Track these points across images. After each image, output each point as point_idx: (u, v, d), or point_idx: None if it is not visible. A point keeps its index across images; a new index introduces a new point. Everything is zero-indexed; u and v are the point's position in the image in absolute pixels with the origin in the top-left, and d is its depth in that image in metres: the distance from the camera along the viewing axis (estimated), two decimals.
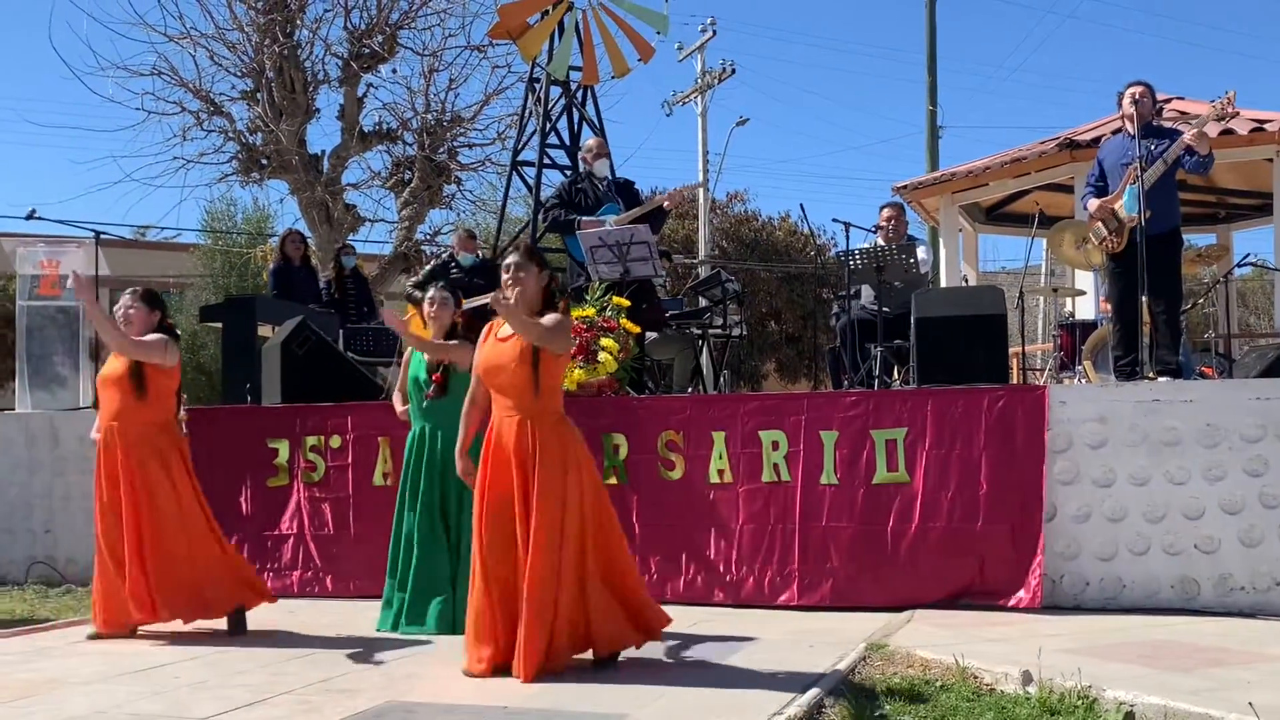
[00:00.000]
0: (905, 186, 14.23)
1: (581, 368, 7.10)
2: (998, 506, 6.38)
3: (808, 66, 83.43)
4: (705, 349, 9.92)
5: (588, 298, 7.50)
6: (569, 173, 9.07)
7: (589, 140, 8.93)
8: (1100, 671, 4.48)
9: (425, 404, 5.88)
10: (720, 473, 6.83)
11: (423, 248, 10.76)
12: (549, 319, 4.75)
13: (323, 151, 13.78)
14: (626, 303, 7.50)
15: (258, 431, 7.44)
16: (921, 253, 8.35)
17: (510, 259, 4.95)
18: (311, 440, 7.33)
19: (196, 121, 13.37)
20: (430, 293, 5.96)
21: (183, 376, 5.86)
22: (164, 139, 16.54)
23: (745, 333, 10.64)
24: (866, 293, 8.72)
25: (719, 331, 9.71)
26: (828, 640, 5.45)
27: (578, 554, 4.68)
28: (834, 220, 8.99)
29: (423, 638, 5.60)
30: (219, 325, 9.30)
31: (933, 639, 5.39)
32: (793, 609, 6.50)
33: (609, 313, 7.37)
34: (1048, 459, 6.36)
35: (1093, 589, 6.35)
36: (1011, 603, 6.23)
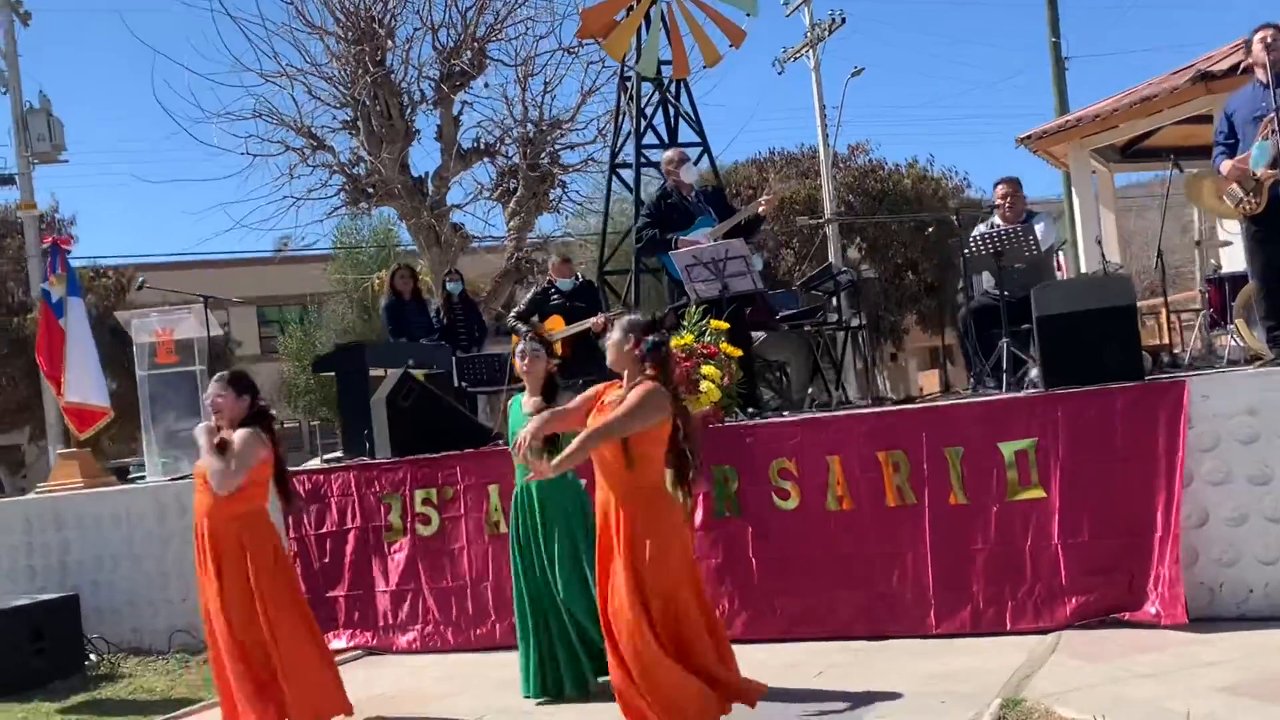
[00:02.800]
0: (1029, 137, 13.49)
1: (688, 398, 6.82)
2: (1141, 515, 5.89)
3: (921, 5, 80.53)
4: (822, 346, 9.55)
5: (685, 324, 7.22)
6: (659, 184, 8.76)
7: (667, 153, 8.59)
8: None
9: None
10: (839, 499, 6.50)
11: (534, 257, 10.62)
12: (631, 398, 4.45)
13: (426, 174, 13.81)
14: (725, 325, 7.19)
15: (370, 488, 7.43)
16: (1040, 229, 7.79)
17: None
18: (423, 494, 7.27)
19: (301, 158, 13.54)
20: (520, 346, 5.74)
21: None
22: (271, 179, 16.87)
23: (864, 323, 10.20)
24: (989, 277, 8.20)
25: (834, 326, 9.33)
26: (962, 689, 5.10)
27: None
28: (948, 211, 8.44)
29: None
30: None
31: (1076, 679, 5.00)
32: (931, 638, 6.15)
33: (708, 338, 7.08)
34: (1194, 459, 5.84)
35: (1257, 596, 5.81)
36: (1166, 620, 5.74)
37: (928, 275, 25.78)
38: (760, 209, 8.22)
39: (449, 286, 10.65)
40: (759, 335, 9.11)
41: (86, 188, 57.23)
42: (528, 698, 5.64)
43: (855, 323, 9.61)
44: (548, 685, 5.61)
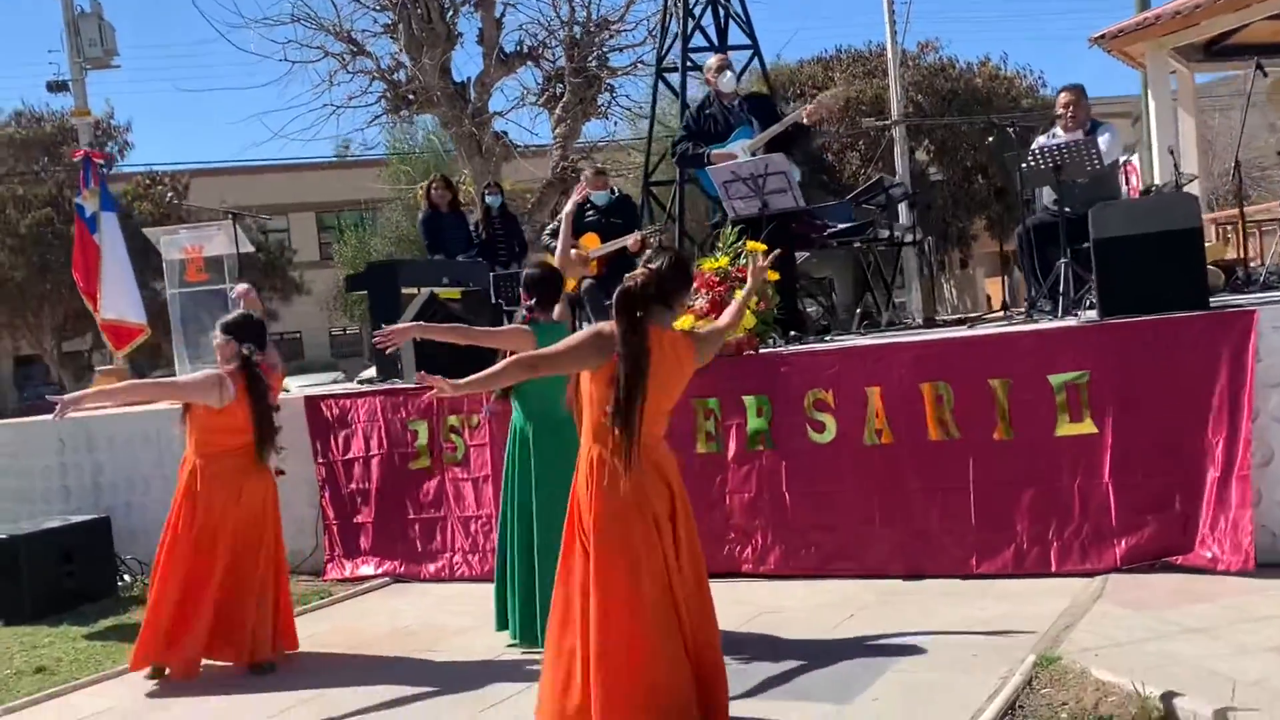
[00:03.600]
0: (1104, 36, 12.70)
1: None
2: (1199, 455, 5.51)
3: None
4: (873, 262, 9.13)
5: (720, 246, 6.86)
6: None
7: (709, 60, 8.10)
8: None
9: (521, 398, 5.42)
10: (878, 433, 6.17)
11: (579, 166, 10.23)
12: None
13: (468, 80, 13.39)
14: (761, 247, 6.81)
15: (397, 414, 7.25)
16: (1105, 141, 7.27)
17: None
18: (452, 420, 7.07)
19: (341, 64, 13.17)
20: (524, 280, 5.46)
21: None
22: (311, 86, 16.53)
23: (920, 237, 9.74)
24: (1049, 193, 7.70)
25: (885, 243, 8.88)
26: (997, 640, 4.82)
27: None
28: (996, 123, 7.91)
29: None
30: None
31: (1119, 631, 4.70)
32: (971, 578, 5.87)
33: (744, 260, 6.71)
34: (1260, 395, 5.42)
35: None
36: (1221, 565, 5.38)
37: (998, 180, 24.87)
38: (804, 118, 7.76)
39: (488, 200, 10.31)
40: (801, 255, 8.75)
41: (142, 94, 57.21)
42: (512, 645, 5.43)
43: (909, 238, 9.16)
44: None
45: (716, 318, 6.55)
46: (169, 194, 22.37)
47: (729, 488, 6.50)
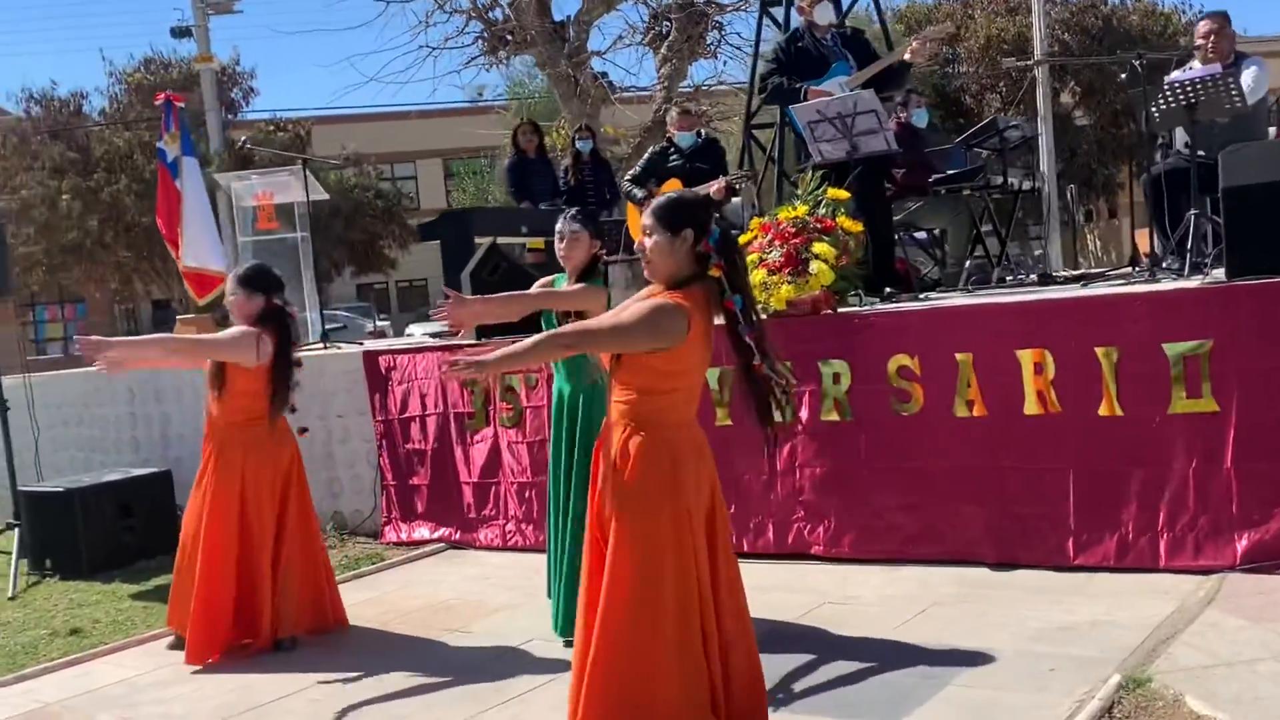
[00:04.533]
0: None
1: (790, 282, 5.90)
2: None
3: None
4: (986, 212, 8.34)
5: (799, 193, 6.24)
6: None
7: None
8: None
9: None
10: (970, 404, 5.52)
11: (686, 107, 9.66)
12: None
13: (567, 18, 12.85)
14: (845, 195, 6.17)
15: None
16: (1248, 77, 6.38)
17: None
18: (510, 380, 6.64)
19: (437, 4, 12.79)
20: (559, 225, 4.91)
21: None
22: (409, 28, 16.12)
23: (1039, 185, 8.88)
24: (1183, 135, 6.83)
25: (999, 190, 8.08)
26: (1082, 651, 4.18)
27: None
28: (1129, 60, 7.00)
29: None
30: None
31: (1228, 648, 4.04)
32: (1067, 570, 5.21)
33: (824, 210, 6.09)
34: None
35: None
36: None
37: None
38: (906, 55, 7.01)
39: (578, 144, 9.82)
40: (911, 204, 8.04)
41: (268, 40, 57.96)
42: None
43: (1025, 185, 8.33)
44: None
45: (789, 273, 5.98)
46: (290, 141, 22.49)
47: (799, 460, 5.93)
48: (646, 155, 8.38)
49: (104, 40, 71.26)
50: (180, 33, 20.81)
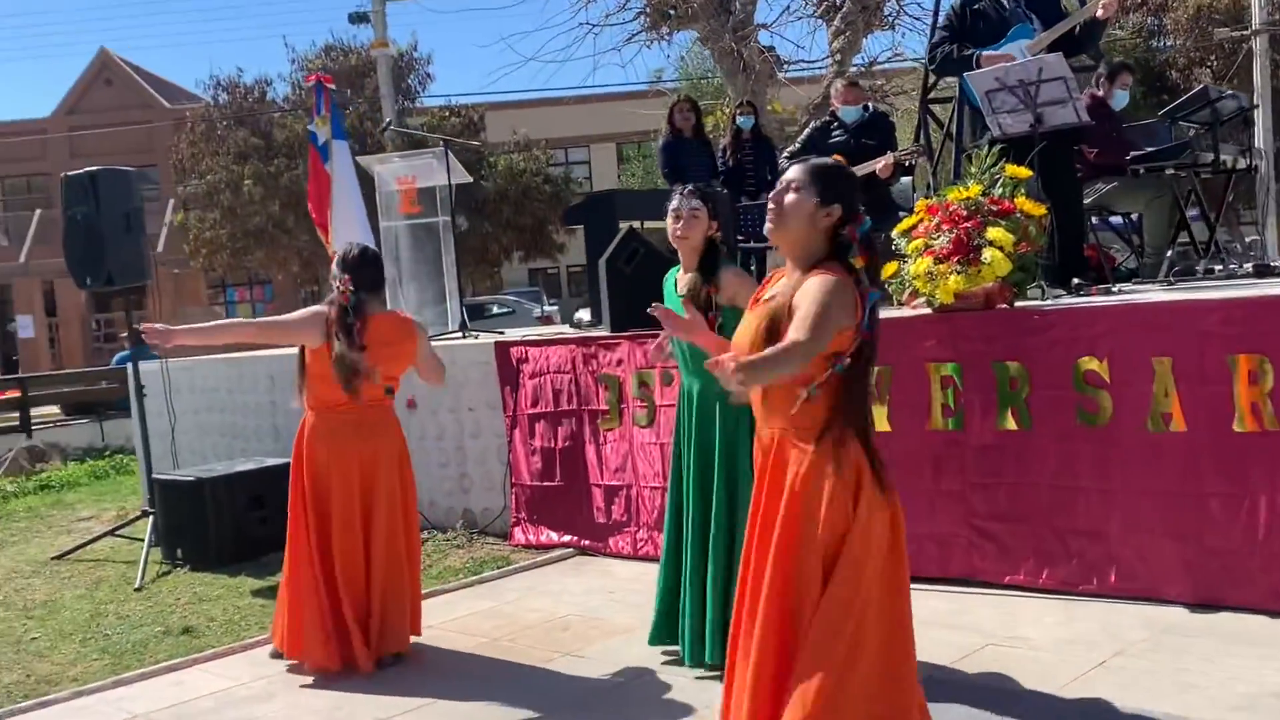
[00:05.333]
0: None
1: (959, 271, 5.18)
2: None
3: None
4: (1193, 194, 7.36)
5: (973, 170, 5.49)
6: None
7: None
8: None
9: (689, 352, 4.34)
10: (1167, 417, 4.71)
11: (858, 83, 8.96)
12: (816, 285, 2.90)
13: None
14: (1026, 173, 5.40)
15: (588, 366, 6.37)
16: None
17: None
18: (644, 375, 6.13)
19: None
20: (674, 202, 4.34)
21: None
22: (569, 5, 15.69)
23: (1255, 163, 7.82)
24: None
25: (1210, 169, 7.10)
26: None
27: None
28: None
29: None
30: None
31: None
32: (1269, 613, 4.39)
33: (1001, 190, 5.34)
34: None
35: None
36: None
37: None
38: (1099, 11, 6.16)
39: (739, 121, 9.20)
40: (1102, 185, 7.14)
41: (444, 25, 58.84)
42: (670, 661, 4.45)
43: (1240, 164, 7.31)
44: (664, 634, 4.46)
45: (958, 261, 5.26)
46: (462, 126, 22.53)
47: (969, 476, 5.22)
48: (807, 130, 7.74)
49: (289, 28, 74.10)
50: (357, 18, 21.11)
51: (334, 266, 4.76)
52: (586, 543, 6.33)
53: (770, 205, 3.05)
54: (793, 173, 3.04)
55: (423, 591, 5.09)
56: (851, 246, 2.98)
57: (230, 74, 24.59)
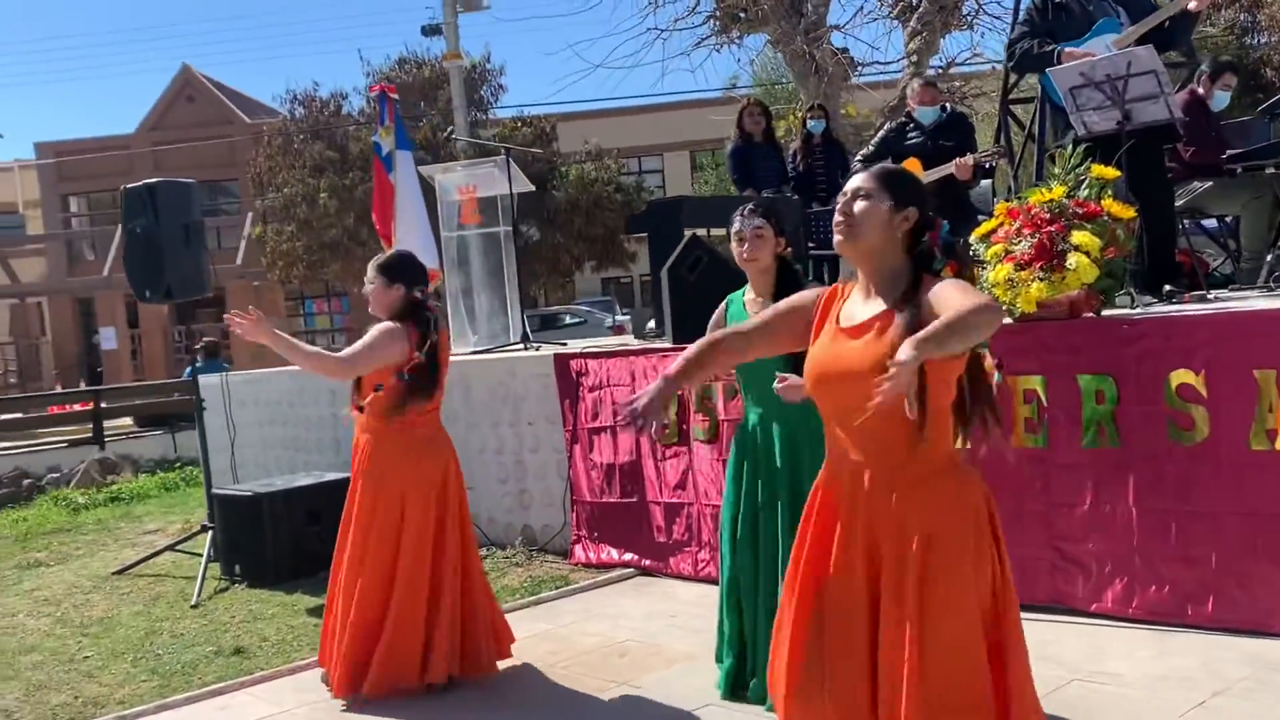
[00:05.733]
0: None
1: (1042, 278, 4.86)
2: None
3: None
4: None
5: (1056, 171, 5.17)
6: None
7: None
8: None
9: (748, 379, 4.09)
10: (1271, 435, 4.35)
11: (931, 78, 8.67)
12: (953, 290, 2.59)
13: None
14: (1113, 173, 5.06)
15: (647, 379, 6.12)
16: None
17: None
18: (701, 391, 5.87)
19: None
20: (735, 224, 4.09)
21: None
22: (637, 10, 15.44)
23: None
24: None
25: None
26: None
27: None
28: None
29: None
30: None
31: None
32: None
33: (1087, 191, 5.00)
34: None
35: None
36: None
37: None
38: (1190, 4, 5.79)
39: (810, 125, 8.94)
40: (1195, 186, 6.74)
41: (515, 35, 59.17)
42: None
43: None
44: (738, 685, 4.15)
45: (1041, 268, 4.94)
46: (533, 137, 22.44)
47: (1054, 496, 4.88)
48: (881, 132, 7.43)
49: (365, 41, 75.30)
50: (430, 31, 21.14)
51: (382, 273, 4.52)
52: (647, 562, 6.09)
53: (838, 216, 2.75)
54: (858, 180, 2.77)
55: None
56: (935, 256, 2.70)
57: (306, 88, 24.81)
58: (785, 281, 3.96)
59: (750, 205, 4.10)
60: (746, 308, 4.07)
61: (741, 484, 4.10)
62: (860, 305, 2.72)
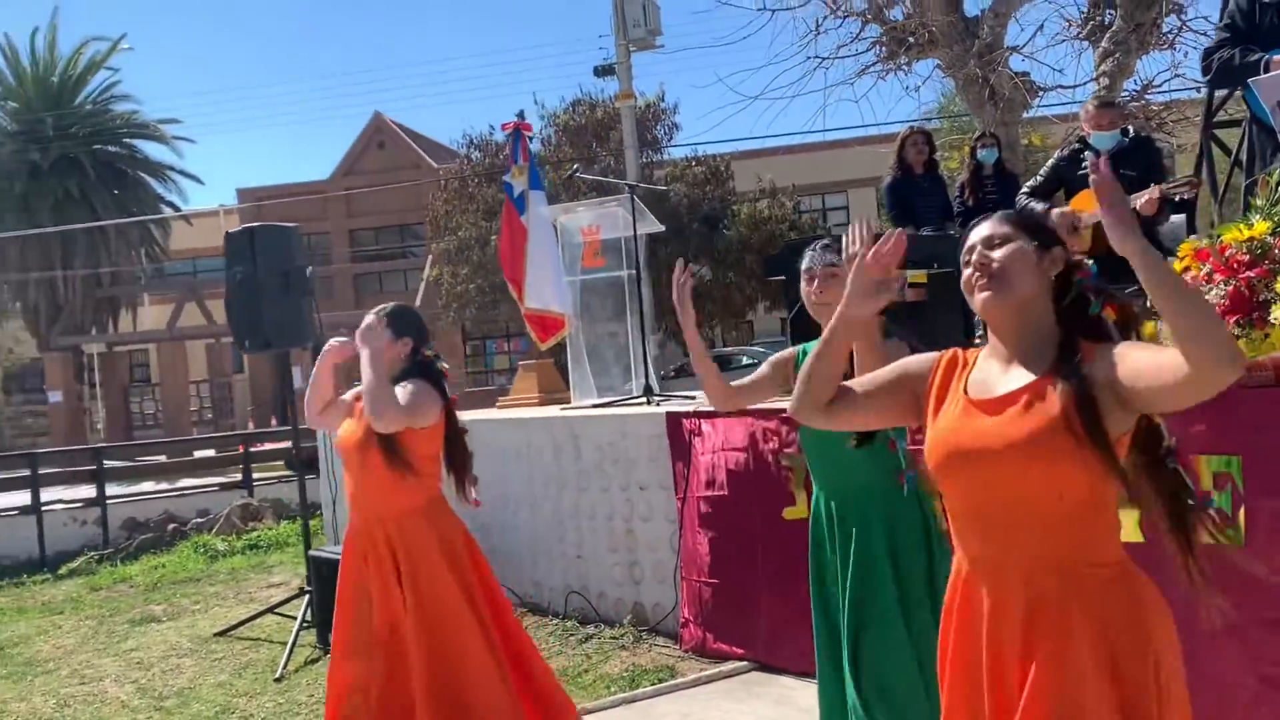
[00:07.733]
0: None
1: (1239, 335, 3.89)
2: None
3: None
4: None
5: (1258, 203, 4.18)
6: None
7: None
8: None
9: (812, 449, 3.39)
10: None
11: (1109, 98, 7.66)
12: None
13: (982, 12, 10.84)
14: None
15: (768, 443, 5.37)
16: None
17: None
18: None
19: (829, 9, 11.27)
20: (807, 261, 3.37)
21: None
22: (797, 38, 14.63)
23: None
24: None
25: None
26: None
27: None
28: None
29: None
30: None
31: None
32: None
33: None
34: None
35: None
36: None
37: None
38: None
39: (980, 155, 8.00)
40: None
41: (685, 72, 59.63)
42: None
43: None
44: None
45: (1238, 321, 3.97)
46: (704, 176, 21.83)
47: (1257, 608, 3.89)
48: (1052, 160, 6.45)
49: (539, 84, 77.00)
50: (603, 71, 20.90)
51: (391, 325, 3.92)
52: (759, 655, 5.29)
53: (976, 272, 2.22)
54: (985, 228, 2.30)
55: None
56: (1090, 300, 2.22)
57: (483, 131, 24.95)
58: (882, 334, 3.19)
59: (826, 240, 3.38)
60: None
61: (823, 587, 3.35)
62: (998, 375, 2.23)
